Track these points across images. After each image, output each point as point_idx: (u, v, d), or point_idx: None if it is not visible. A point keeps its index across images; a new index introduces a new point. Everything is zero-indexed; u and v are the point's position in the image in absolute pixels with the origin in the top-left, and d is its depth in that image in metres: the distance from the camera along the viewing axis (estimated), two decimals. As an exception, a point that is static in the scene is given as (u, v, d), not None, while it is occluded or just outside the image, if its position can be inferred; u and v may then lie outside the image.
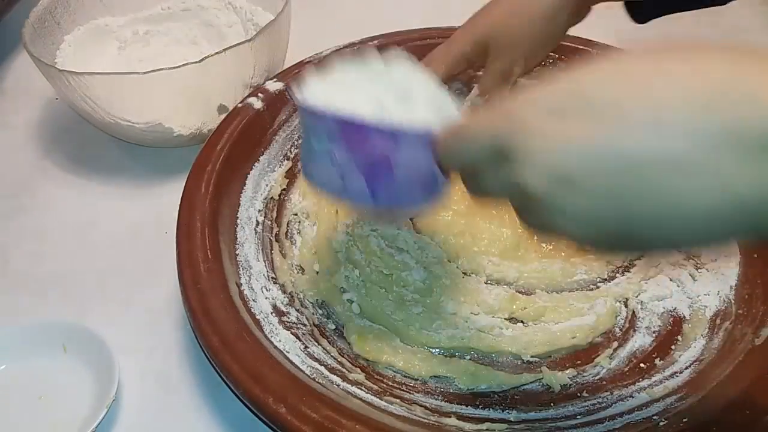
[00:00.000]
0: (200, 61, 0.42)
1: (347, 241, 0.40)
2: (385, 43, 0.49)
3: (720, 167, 0.17)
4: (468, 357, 0.35)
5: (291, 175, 0.44)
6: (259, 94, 0.44)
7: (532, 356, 0.35)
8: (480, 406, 0.33)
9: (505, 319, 0.36)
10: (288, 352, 0.32)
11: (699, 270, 0.38)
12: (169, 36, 0.54)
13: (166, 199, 0.43)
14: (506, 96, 0.21)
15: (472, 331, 0.35)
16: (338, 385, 0.32)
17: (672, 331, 0.35)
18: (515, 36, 0.38)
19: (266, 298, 0.36)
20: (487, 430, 0.31)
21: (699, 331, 0.35)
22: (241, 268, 0.36)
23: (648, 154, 0.17)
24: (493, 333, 0.35)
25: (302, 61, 0.47)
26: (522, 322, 0.36)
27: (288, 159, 0.44)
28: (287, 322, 0.35)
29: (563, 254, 0.39)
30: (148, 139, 0.47)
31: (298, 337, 0.34)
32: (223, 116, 0.43)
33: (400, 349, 0.35)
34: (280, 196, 0.43)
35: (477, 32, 0.39)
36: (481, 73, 0.41)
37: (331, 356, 0.34)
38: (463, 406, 0.32)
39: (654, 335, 0.35)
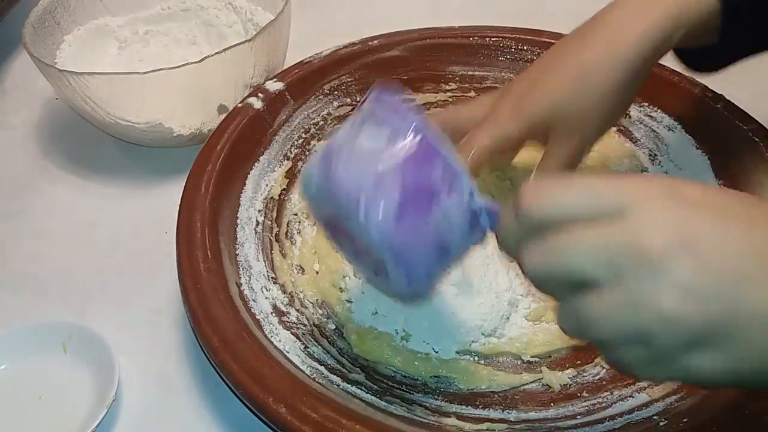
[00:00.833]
0: (200, 61, 0.42)
1: None
2: (385, 43, 0.49)
3: None
4: (468, 357, 0.35)
5: (291, 175, 0.44)
6: (259, 94, 0.44)
7: (532, 356, 0.35)
8: (480, 406, 0.33)
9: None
10: (288, 352, 0.33)
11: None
12: (169, 36, 0.54)
13: (166, 199, 0.43)
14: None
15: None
16: (338, 385, 0.32)
17: (672, 331, 0.35)
18: (584, 116, 0.32)
19: (266, 298, 0.36)
20: (487, 430, 0.31)
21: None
22: (241, 268, 0.36)
23: None
24: (494, 334, 0.35)
25: (302, 61, 0.47)
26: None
27: (288, 159, 0.44)
28: (287, 322, 0.35)
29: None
30: (148, 139, 0.47)
31: (298, 337, 0.34)
32: (223, 116, 0.43)
33: (400, 349, 0.35)
34: (280, 196, 0.43)
35: (532, 111, 0.33)
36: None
37: (331, 356, 0.34)
38: (463, 406, 0.32)
39: (654, 335, 0.35)
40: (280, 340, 0.33)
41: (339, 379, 0.32)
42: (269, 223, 0.41)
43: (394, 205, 0.21)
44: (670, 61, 0.47)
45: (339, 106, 0.48)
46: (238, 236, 0.38)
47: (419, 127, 0.22)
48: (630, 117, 0.46)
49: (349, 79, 0.48)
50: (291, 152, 0.45)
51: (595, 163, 0.43)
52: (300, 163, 0.45)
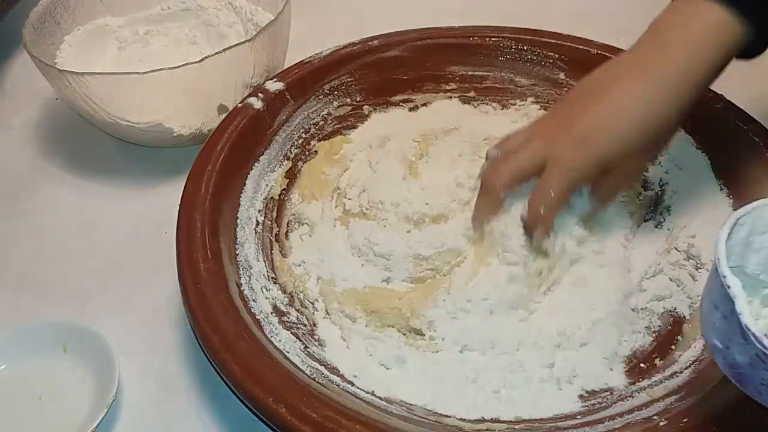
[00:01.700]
0: (200, 61, 0.42)
1: None
2: (385, 43, 0.49)
3: None
4: None
5: (291, 175, 0.44)
6: (259, 94, 0.44)
7: None
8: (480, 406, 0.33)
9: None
10: (288, 352, 0.33)
11: (699, 270, 0.38)
12: (169, 36, 0.54)
13: (166, 199, 0.43)
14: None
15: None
16: (338, 385, 0.32)
17: (672, 331, 0.35)
18: (647, 156, 0.36)
19: (266, 298, 0.36)
20: (486, 430, 0.31)
21: (699, 331, 0.35)
22: (241, 268, 0.36)
23: None
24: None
25: (302, 61, 0.47)
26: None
27: (288, 159, 0.45)
28: (287, 322, 0.35)
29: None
30: (148, 139, 0.47)
31: (298, 337, 0.34)
32: (223, 116, 0.43)
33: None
34: (280, 196, 0.43)
35: (602, 150, 0.34)
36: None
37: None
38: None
39: (654, 335, 0.35)
40: (280, 340, 0.33)
41: (339, 379, 0.32)
42: (269, 223, 0.41)
43: None
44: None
45: (339, 106, 0.48)
46: (238, 236, 0.38)
47: None
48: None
49: (349, 79, 0.48)
50: (291, 152, 0.45)
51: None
52: (300, 163, 0.45)
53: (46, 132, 0.52)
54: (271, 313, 0.35)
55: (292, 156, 0.45)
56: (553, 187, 0.34)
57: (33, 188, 0.47)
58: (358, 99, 0.48)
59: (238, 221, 0.39)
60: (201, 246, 0.35)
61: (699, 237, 0.39)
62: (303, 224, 0.41)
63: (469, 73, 0.50)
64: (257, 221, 0.40)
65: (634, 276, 0.38)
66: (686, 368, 0.33)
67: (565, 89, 0.49)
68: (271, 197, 0.42)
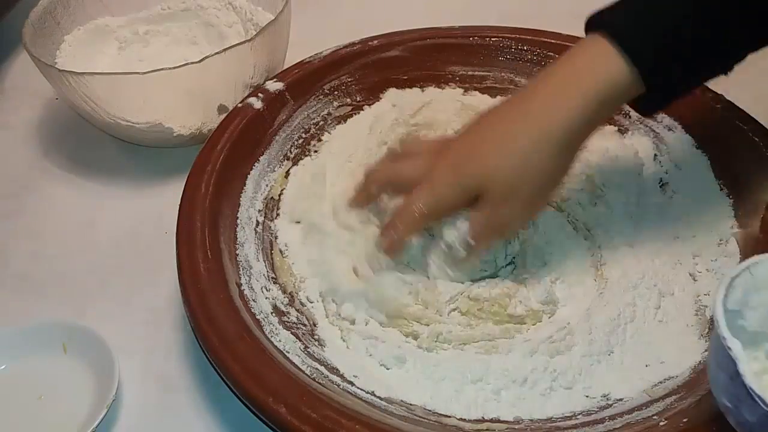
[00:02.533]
0: (200, 61, 0.42)
1: None
2: (385, 43, 0.49)
3: None
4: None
5: (291, 175, 0.44)
6: (259, 94, 0.44)
7: None
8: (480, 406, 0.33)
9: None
10: (288, 352, 0.33)
11: (699, 270, 0.38)
12: (169, 36, 0.54)
13: (166, 199, 0.43)
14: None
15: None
16: (338, 385, 0.32)
17: (672, 331, 0.35)
18: (513, 187, 0.33)
19: (266, 298, 0.36)
20: (486, 430, 0.31)
21: (699, 331, 0.35)
22: (241, 268, 0.36)
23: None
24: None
25: (302, 61, 0.47)
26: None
27: (288, 159, 0.45)
28: (287, 322, 0.35)
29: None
30: (148, 139, 0.47)
31: (298, 337, 0.34)
32: (223, 116, 0.43)
33: None
34: (280, 195, 0.43)
35: (467, 178, 0.34)
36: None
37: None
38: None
39: (654, 335, 0.35)
40: (280, 340, 0.33)
41: (339, 379, 0.32)
42: (269, 223, 0.41)
43: None
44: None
45: (339, 106, 0.48)
46: (238, 236, 0.38)
47: None
48: (630, 117, 0.46)
49: (349, 79, 0.48)
50: (291, 152, 0.45)
51: (594, 164, 0.43)
52: (300, 163, 0.45)
53: (46, 132, 0.52)
54: (271, 313, 0.35)
55: (292, 156, 0.45)
56: (416, 204, 0.34)
57: (33, 188, 0.47)
58: (358, 99, 0.48)
59: (238, 221, 0.39)
60: (201, 246, 0.35)
61: (699, 237, 0.39)
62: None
63: (469, 73, 0.50)
64: (257, 221, 0.40)
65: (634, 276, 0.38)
66: (686, 368, 0.33)
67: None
68: (271, 197, 0.42)
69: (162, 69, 0.41)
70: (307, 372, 0.32)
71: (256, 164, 0.42)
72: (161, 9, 0.55)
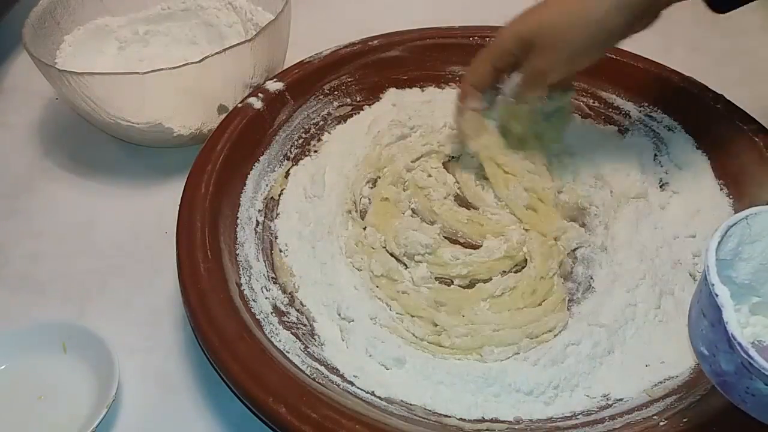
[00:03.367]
0: (200, 61, 0.42)
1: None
2: (385, 43, 0.49)
3: None
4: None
5: (291, 175, 0.44)
6: (259, 94, 0.44)
7: None
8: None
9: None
10: (288, 352, 0.33)
11: (699, 270, 0.38)
12: (169, 36, 0.54)
13: (166, 199, 0.43)
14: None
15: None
16: (338, 385, 0.32)
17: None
18: (561, 37, 0.36)
19: (266, 298, 0.36)
20: (486, 430, 0.31)
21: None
22: (241, 268, 0.36)
23: None
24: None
25: (302, 61, 0.47)
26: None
27: (288, 159, 0.45)
28: (287, 322, 0.35)
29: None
30: (148, 139, 0.47)
31: (298, 337, 0.34)
32: (223, 116, 0.43)
33: None
34: (279, 196, 0.43)
35: (523, 29, 0.37)
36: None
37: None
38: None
39: (654, 335, 0.35)
40: (280, 340, 0.33)
41: (339, 379, 0.32)
42: (269, 223, 0.41)
43: None
44: (669, 61, 0.47)
45: (339, 106, 0.48)
46: (238, 236, 0.38)
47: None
48: (630, 117, 0.46)
49: (349, 79, 0.48)
50: (291, 152, 0.45)
51: (592, 163, 0.43)
52: (300, 163, 0.45)
53: (46, 132, 0.52)
54: (271, 313, 0.35)
55: (292, 156, 0.45)
56: (479, 55, 0.39)
57: (33, 188, 0.47)
58: (358, 99, 0.48)
59: (238, 221, 0.39)
60: (201, 246, 0.35)
61: (699, 237, 0.39)
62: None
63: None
64: (257, 221, 0.40)
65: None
66: (686, 368, 0.33)
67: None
68: (271, 197, 0.42)
69: (162, 69, 0.41)
70: (307, 372, 0.32)
71: (256, 164, 0.42)
72: (161, 9, 0.55)
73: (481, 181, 0.43)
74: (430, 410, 0.32)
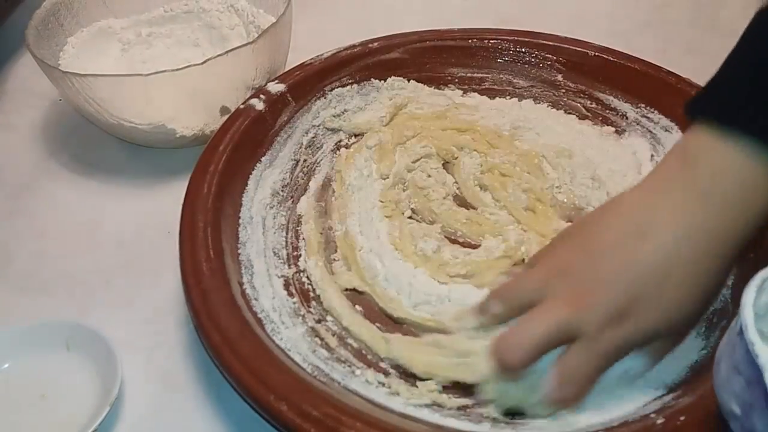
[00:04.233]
0: (203, 63, 0.42)
1: None
2: (385, 45, 0.49)
3: None
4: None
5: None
6: (261, 96, 0.45)
7: None
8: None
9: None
10: (289, 351, 0.33)
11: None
12: (172, 38, 0.55)
13: (169, 199, 0.44)
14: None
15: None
16: (340, 383, 0.32)
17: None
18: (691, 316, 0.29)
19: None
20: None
21: (696, 329, 0.35)
22: (243, 268, 0.37)
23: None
24: None
25: (303, 63, 0.48)
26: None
27: (289, 160, 0.45)
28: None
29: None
30: (151, 140, 0.47)
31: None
32: (225, 117, 0.44)
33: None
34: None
35: (646, 325, 0.28)
36: None
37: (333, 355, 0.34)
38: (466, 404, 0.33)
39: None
40: (281, 339, 0.34)
41: (340, 376, 0.33)
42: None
43: None
44: (666, 62, 0.48)
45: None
46: (240, 236, 0.38)
47: None
48: (627, 118, 0.47)
49: (350, 81, 0.48)
50: (292, 153, 0.45)
51: (588, 164, 0.44)
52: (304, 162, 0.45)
53: (50, 133, 0.52)
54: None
55: (293, 157, 0.45)
56: (584, 371, 0.28)
57: (36, 188, 0.47)
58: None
59: (240, 221, 0.39)
60: (203, 245, 0.35)
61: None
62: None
63: (468, 74, 0.50)
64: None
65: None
66: (684, 366, 0.33)
67: (563, 90, 0.49)
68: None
69: (165, 71, 0.41)
70: (309, 370, 0.32)
71: (257, 165, 0.43)
72: (164, 11, 0.55)
73: (479, 182, 0.43)
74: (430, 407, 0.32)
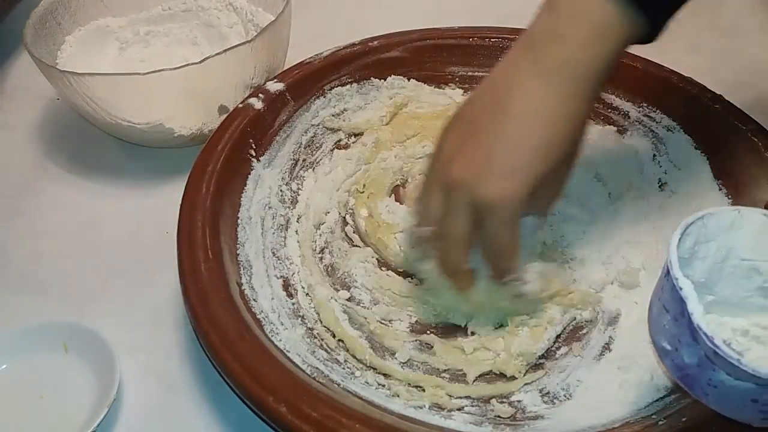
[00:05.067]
0: (201, 61, 0.42)
1: None
2: (385, 44, 0.49)
3: None
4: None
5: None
6: (260, 95, 0.44)
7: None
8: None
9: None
10: (288, 352, 0.33)
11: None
12: (170, 37, 0.54)
13: (167, 199, 0.44)
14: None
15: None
16: (338, 384, 0.32)
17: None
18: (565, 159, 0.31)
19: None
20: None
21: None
22: (241, 268, 0.37)
23: None
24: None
25: (302, 61, 0.48)
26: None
27: (289, 159, 0.45)
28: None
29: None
30: (149, 140, 0.47)
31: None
32: (223, 117, 0.43)
33: None
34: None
35: (532, 175, 0.30)
36: None
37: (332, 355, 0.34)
38: (467, 405, 0.33)
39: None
40: (280, 340, 0.33)
41: (339, 378, 0.33)
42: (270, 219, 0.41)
43: None
44: (668, 61, 0.47)
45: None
46: (238, 236, 0.38)
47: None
48: (629, 117, 0.47)
49: (350, 80, 0.48)
50: (292, 153, 0.45)
51: (590, 163, 0.44)
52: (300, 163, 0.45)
53: (47, 132, 0.52)
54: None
55: (292, 156, 0.45)
56: (504, 241, 0.31)
57: (34, 188, 0.47)
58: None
59: (239, 221, 0.39)
60: (202, 245, 0.35)
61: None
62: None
63: (469, 73, 0.50)
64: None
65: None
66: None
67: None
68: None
69: (163, 70, 0.41)
70: (308, 371, 0.32)
71: (256, 164, 0.43)
72: (162, 10, 0.55)
73: None
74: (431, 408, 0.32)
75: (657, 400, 0.32)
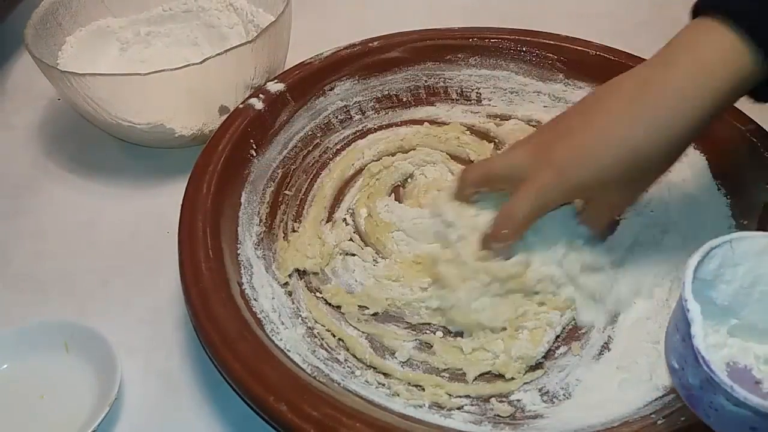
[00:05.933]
0: (201, 62, 0.42)
1: None
2: (385, 44, 0.49)
3: None
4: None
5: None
6: (260, 95, 0.44)
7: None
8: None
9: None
10: (289, 351, 0.33)
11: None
12: (171, 37, 0.54)
13: (167, 199, 0.44)
14: None
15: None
16: (339, 384, 0.32)
17: (670, 331, 0.36)
18: (629, 195, 0.34)
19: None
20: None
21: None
22: (242, 268, 0.37)
23: None
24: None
25: (303, 62, 0.48)
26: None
27: (289, 159, 0.45)
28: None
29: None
30: (149, 140, 0.47)
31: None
32: (224, 117, 0.44)
33: None
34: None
35: (578, 183, 0.33)
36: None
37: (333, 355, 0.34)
38: (466, 404, 0.33)
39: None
40: (281, 339, 0.33)
41: (340, 377, 0.33)
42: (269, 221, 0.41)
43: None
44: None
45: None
46: (239, 236, 0.38)
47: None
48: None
49: (350, 80, 0.48)
50: (292, 153, 0.45)
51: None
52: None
53: (48, 132, 0.52)
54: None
55: (292, 156, 0.45)
56: (520, 211, 0.33)
57: (35, 188, 0.47)
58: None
59: (240, 221, 0.39)
60: (202, 245, 0.35)
61: (693, 236, 0.40)
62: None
63: (469, 74, 0.50)
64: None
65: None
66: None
67: (564, 91, 0.49)
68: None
69: (163, 70, 0.41)
70: (308, 371, 0.32)
71: (257, 164, 0.43)
72: (162, 10, 0.55)
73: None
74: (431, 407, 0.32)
75: (656, 400, 0.32)
